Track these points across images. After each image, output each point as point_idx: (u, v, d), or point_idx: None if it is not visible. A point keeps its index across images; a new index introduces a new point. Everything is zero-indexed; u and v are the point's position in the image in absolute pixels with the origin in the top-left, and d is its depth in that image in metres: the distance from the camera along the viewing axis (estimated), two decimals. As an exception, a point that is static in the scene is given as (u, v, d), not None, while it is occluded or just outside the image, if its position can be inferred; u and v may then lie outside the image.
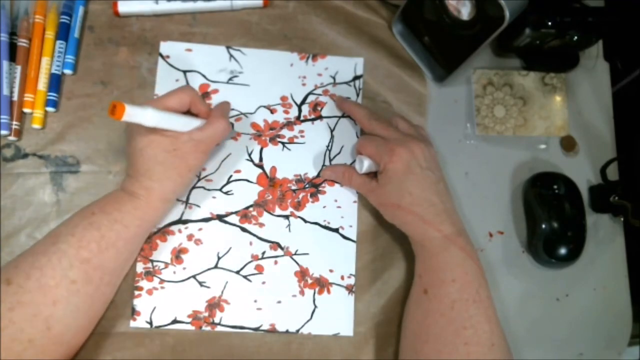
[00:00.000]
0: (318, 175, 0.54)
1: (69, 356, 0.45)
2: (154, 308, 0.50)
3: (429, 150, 0.49)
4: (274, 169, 0.54)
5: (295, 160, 0.54)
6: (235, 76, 0.55)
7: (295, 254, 0.52)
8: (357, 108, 0.53)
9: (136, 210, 0.45)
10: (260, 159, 0.54)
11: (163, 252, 0.51)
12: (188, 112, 0.48)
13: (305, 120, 0.56)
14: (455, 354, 0.44)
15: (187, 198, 0.52)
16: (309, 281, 0.52)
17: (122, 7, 0.54)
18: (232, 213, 0.52)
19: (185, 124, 0.46)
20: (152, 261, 0.50)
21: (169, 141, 0.45)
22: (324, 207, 0.54)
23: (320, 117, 0.56)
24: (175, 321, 0.50)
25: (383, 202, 0.49)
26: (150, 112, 0.42)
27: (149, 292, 0.50)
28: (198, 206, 0.52)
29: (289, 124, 0.55)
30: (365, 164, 0.50)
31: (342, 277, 0.52)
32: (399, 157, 0.47)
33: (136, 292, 0.50)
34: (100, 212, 0.44)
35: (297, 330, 0.51)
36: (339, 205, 0.54)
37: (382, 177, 0.48)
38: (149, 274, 0.50)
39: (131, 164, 0.46)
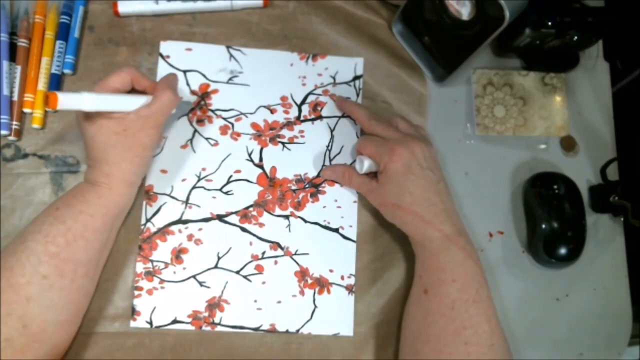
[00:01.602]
0: (318, 175, 0.54)
1: (58, 353, 0.44)
2: (154, 308, 0.50)
3: (429, 150, 0.49)
4: (274, 169, 0.54)
5: (295, 160, 0.54)
6: (235, 76, 0.55)
7: (295, 254, 0.52)
8: (357, 108, 0.53)
9: (100, 198, 0.45)
10: (260, 159, 0.54)
11: (163, 252, 0.51)
12: (133, 91, 0.48)
13: (305, 120, 0.56)
14: (455, 354, 0.44)
15: (187, 198, 0.52)
16: (309, 281, 0.52)
17: (122, 7, 0.54)
18: (232, 213, 0.52)
19: (131, 102, 0.45)
20: (152, 261, 0.50)
21: (117, 122, 0.44)
22: (324, 207, 0.54)
23: (320, 117, 0.56)
24: (175, 321, 0.50)
25: (383, 202, 0.49)
26: (86, 97, 0.41)
27: (149, 292, 0.50)
28: (198, 206, 0.52)
29: (289, 124, 0.55)
30: (365, 164, 0.50)
31: (342, 277, 0.52)
32: (399, 156, 0.47)
33: (136, 292, 0.50)
34: (64, 206, 0.44)
35: (297, 330, 0.51)
36: (339, 205, 0.54)
37: (382, 177, 0.48)
38: (149, 274, 0.50)
39: (88, 153, 0.46)
